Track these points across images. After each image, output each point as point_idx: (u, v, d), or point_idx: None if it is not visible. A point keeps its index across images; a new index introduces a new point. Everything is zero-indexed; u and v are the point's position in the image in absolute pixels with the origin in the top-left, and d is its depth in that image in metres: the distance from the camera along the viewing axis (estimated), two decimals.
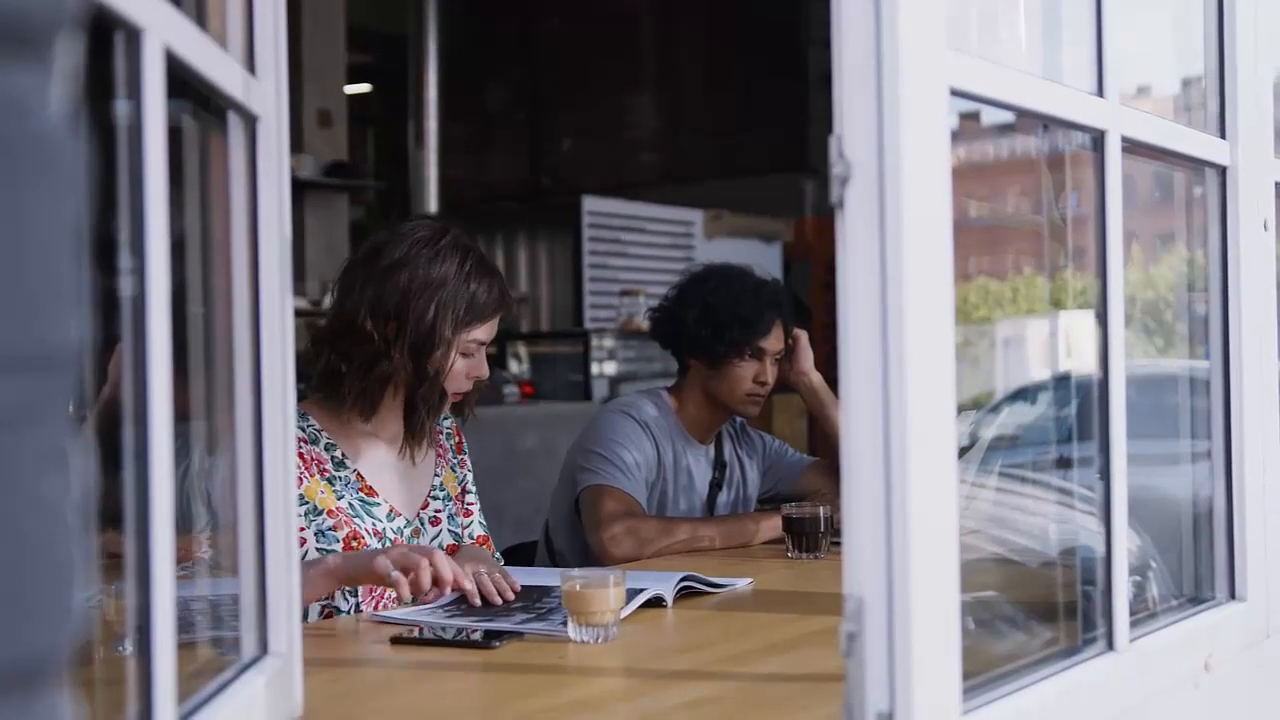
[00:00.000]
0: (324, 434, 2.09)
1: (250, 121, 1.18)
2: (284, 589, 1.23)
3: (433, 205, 7.35)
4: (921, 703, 1.01)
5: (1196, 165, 1.65)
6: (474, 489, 2.31)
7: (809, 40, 7.71)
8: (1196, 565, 1.70)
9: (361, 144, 9.07)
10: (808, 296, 6.32)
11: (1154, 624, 1.49)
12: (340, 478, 2.08)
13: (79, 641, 0.58)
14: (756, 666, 1.63)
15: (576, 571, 1.76)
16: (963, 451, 1.64)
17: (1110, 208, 1.37)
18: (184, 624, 0.93)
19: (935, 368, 1.05)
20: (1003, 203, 1.82)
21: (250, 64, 1.19)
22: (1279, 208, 1.73)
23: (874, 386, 1.02)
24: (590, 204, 7.17)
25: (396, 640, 1.73)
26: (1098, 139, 1.36)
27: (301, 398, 2.10)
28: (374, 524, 2.08)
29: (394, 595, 2.03)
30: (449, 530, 2.21)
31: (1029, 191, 1.70)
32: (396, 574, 1.81)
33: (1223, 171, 1.65)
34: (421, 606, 1.92)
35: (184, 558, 1.01)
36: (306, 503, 2.02)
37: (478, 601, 1.89)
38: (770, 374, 2.72)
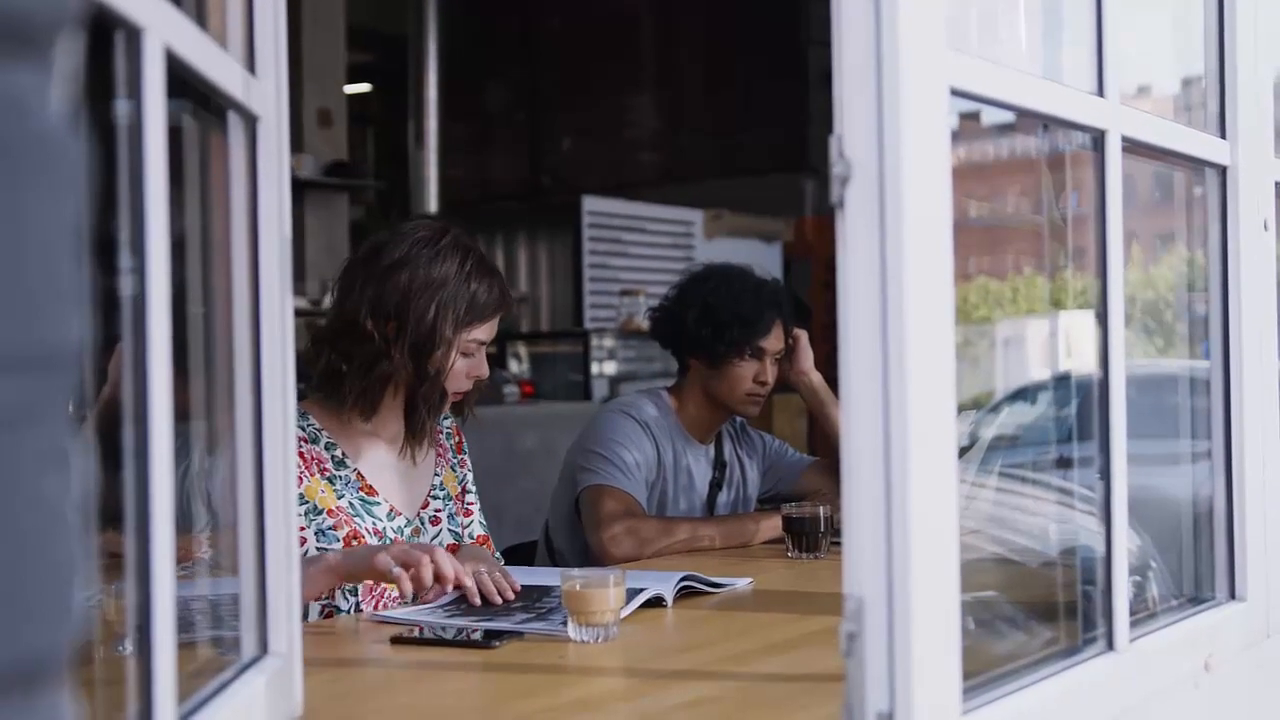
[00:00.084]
0: (324, 433, 2.09)
1: (250, 121, 1.18)
2: (284, 589, 1.23)
3: (433, 205, 7.35)
4: (921, 702, 1.01)
5: (1197, 165, 1.65)
6: (474, 489, 2.31)
7: (809, 40, 7.70)
8: (1196, 565, 1.70)
9: (361, 144, 9.07)
10: (808, 296, 6.32)
11: (1154, 624, 1.49)
12: (340, 477, 2.08)
13: (79, 641, 0.58)
14: (756, 666, 1.63)
15: (576, 571, 1.76)
16: (963, 451, 1.64)
17: (1110, 207, 1.37)
18: (184, 623, 0.93)
19: (935, 367, 1.05)
20: (1003, 202, 1.82)
21: (250, 63, 1.19)
22: (1279, 208, 1.73)
23: (874, 386, 1.02)
24: (590, 204, 7.17)
25: (396, 640, 1.73)
26: (1098, 139, 1.36)
27: (301, 397, 2.10)
28: (374, 523, 2.08)
29: (395, 595, 2.04)
30: (449, 530, 2.21)
31: (1029, 191, 1.70)
32: (398, 570, 1.81)
33: (1223, 171, 1.65)
34: (421, 606, 1.92)
35: (184, 558, 1.01)
36: (306, 502, 2.02)
37: (477, 600, 1.89)
38: (770, 374, 2.72)
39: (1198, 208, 1.70)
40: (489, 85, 8.99)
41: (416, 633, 1.76)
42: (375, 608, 2.03)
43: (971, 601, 1.18)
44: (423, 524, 2.17)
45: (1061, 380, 1.71)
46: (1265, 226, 1.69)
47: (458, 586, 1.87)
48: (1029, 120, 1.41)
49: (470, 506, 2.28)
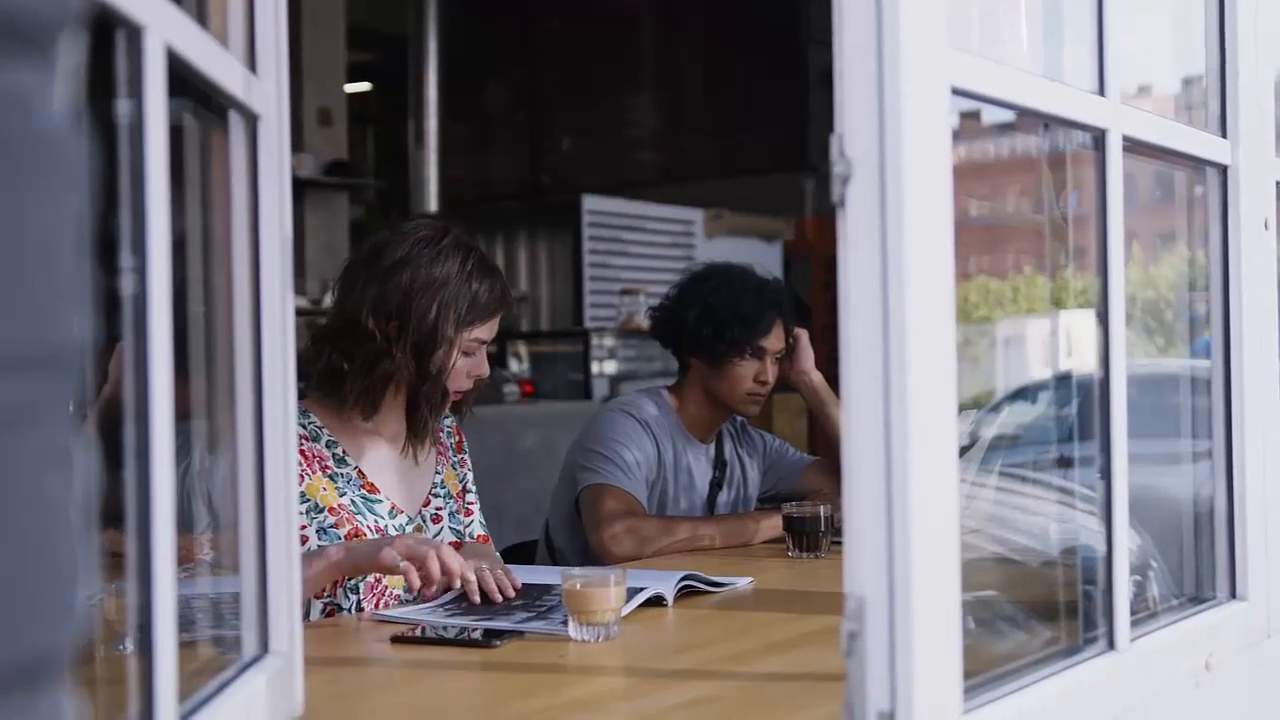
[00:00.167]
0: (325, 431, 2.09)
1: (251, 120, 1.18)
2: (285, 588, 1.23)
3: (433, 204, 7.35)
4: (922, 702, 1.01)
5: (1197, 164, 1.65)
6: (474, 488, 2.31)
7: (809, 39, 7.70)
8: (1197, 565, 1.70)
9: (361, 143, 9.08)
10: (808, 295, 6.32)
11: (1155, 623, 1.49)
12: (341, 475, 2.08)
13: (81, 640, 0.58)
14: (757, 666, 1.63)
15: (577, 570, 1.76)
16: (963, 451, 1.64)
17: (1111, 207, 1.37)
18: (185, 623, 0.93)
19: (936, 367, 1.05)
20: (1003, 202, 1.82)
21: (251, 62, 1.18)
22: None
23: (875, 385, 1.02)
24: (590, 203, 7.17)
25: (397, 639, 1.73)
26: (1099, 138, 1.36)
27: (301, 396, 2.10)
28: (375, 521, 2.08)
29: (396, 593, 2.04)
30: (450, 528, 2.21)
31: (1030, 190, 1.70)
32: (405, 563, 1.82)
33: (1224, 171, 1.65)
34: (422, 605, 1.92)
35: (185, 559, 1.01)
36: (308, 500, 2.02)
37: (476, 597, 1.89)
38: (771, 373, 2.72)
39: (1198, 207, 1.70)
40: (489, 85, 8.99)
41: (417, 632, 1.76)
42: (377, 606, 2.03)
43: (972, 601, 1.18)
44: (424, 522, 2.17)
45: (1062, 380, 1.71)
46: (1266, 226, 1.69)
47: (462, 581, 1.88)
48: (1030, 119, 1.41)
49: (470, 506, 2.29)
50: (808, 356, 2.82)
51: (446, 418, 2.27)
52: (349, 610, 2.02)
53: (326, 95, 6.85)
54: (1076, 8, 1.45)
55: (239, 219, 1.19)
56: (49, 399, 0.57)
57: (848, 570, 1.03)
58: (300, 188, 6.24)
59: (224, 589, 1.25)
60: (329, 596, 2.01)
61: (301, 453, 2.03)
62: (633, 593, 1.86)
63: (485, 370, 2.14)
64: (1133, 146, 1.41)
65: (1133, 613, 1.38)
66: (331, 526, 2.03)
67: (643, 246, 7.27)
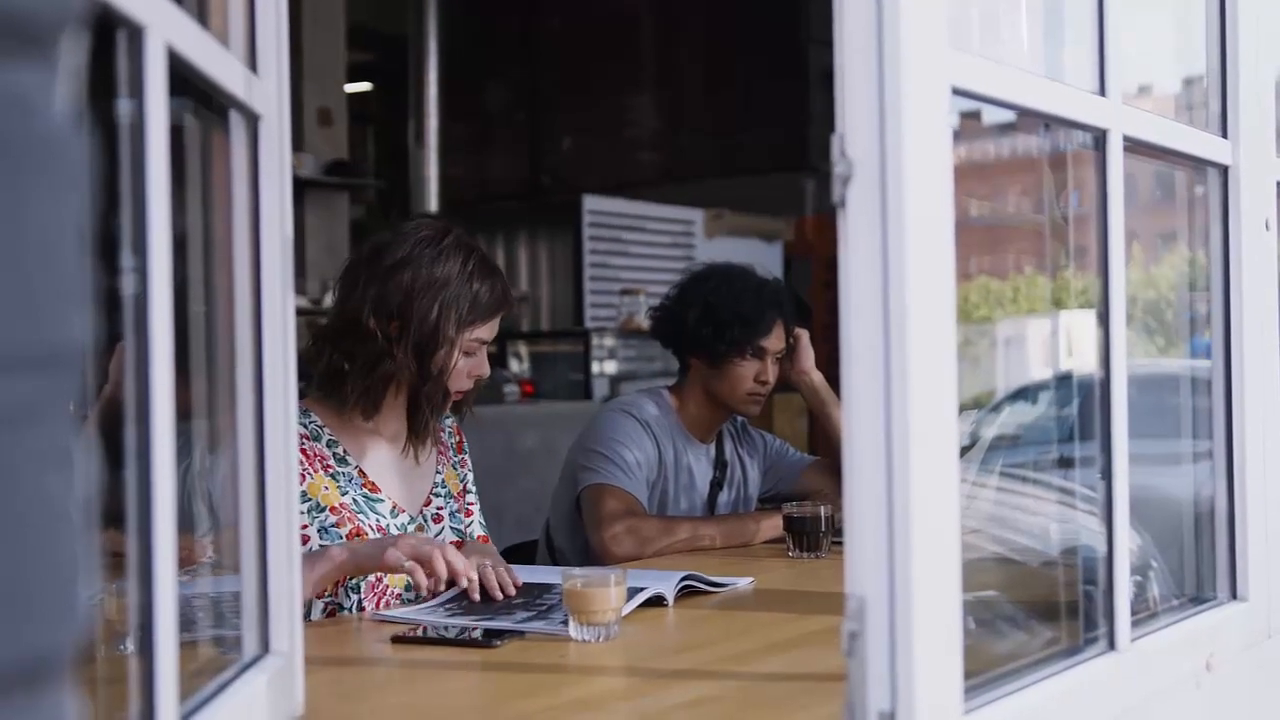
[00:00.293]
0: (326, 431, 2.10)
1: (252, 120, 1.18)
2: (286, 588, 1.23)
3: (433, 204, 7.35)
4: (923, 702, 1.01)
5: (1198, 165, 1.65)
6: (474, 489, 2.31)
7: (809, 39, 7.70)
8: (1198, 565, 1.70)
9: (362, 143, 9.07)
10: (808, 295, 6.32)
11: (1155, 624, 1.49)
12: (343, 474, 2.08)
13: (82, 640, 0.58)
14: (757, 666, 1.63)
15: (577, 570, 1.76)
16: (964, 451, 1.64)
17: (1112, 207, 1.37)
18: (185, 622, 0.93)
19: (937, 367, 1.05)
20: (1004, 202, 1.82)
21: (252, 62, 1.18)
22: None
23: (875, 385, 1.02)
24: (590, 203, 7.17)
25: (397, 639, 1.73)
26: (1099, 138, 1.36)
27: (302, 396, 2.10)
28: (377, 520, 2.08)
29: (397, 592, 2.04)
30: (451, 528, 2.21)
31: (1030, 190, 1.70)
32: (411, 563, 1.83)
33: (1224, 171, 1.65)
34: (423, 605, 1.93)
35: (187, 561, 1.01)
36: (309, 499, 2.02)
37: (477, 595, 1.89)
38: (771, 373, 2.72)
39: (1199, 207, 1.70)
40: (489, 85, 8.98)
41: (417, 632, 1.76)
42: (378, 605, 2.03)
43: (973, 601, 1.18)
44: (425, 522, 2.17)
45: (1063, 380, 1.71)
46: (1267, 226, 1.69)
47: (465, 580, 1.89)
48: (1030, 119, 1.41)
49: (470, 506, 2.29)
50: (808, 356, 2.82)
51: (447, 418, 2.27)
52: (350, 610, 2.02)
53: (327, 95, 6.85)
54: (1077, 8, 1.45)
55: (240, 219, 1.19)
56: (50, 399, 0.57)
57: (849, 570, 1.03)
58: (300, 187, 6.24)
59: (224, 589, 1.25)
60: (330, 596, 2.01)
61: (303, 452, 2.03)
62: (633, 592, 1.86)
63: (486, 370, 2.14)
64: (1133, 146, 1.41)
65: (1133, 613, 1.38)
66: (333, 526, 2.03)
67: (643, 246, 7.27)
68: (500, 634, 1.72)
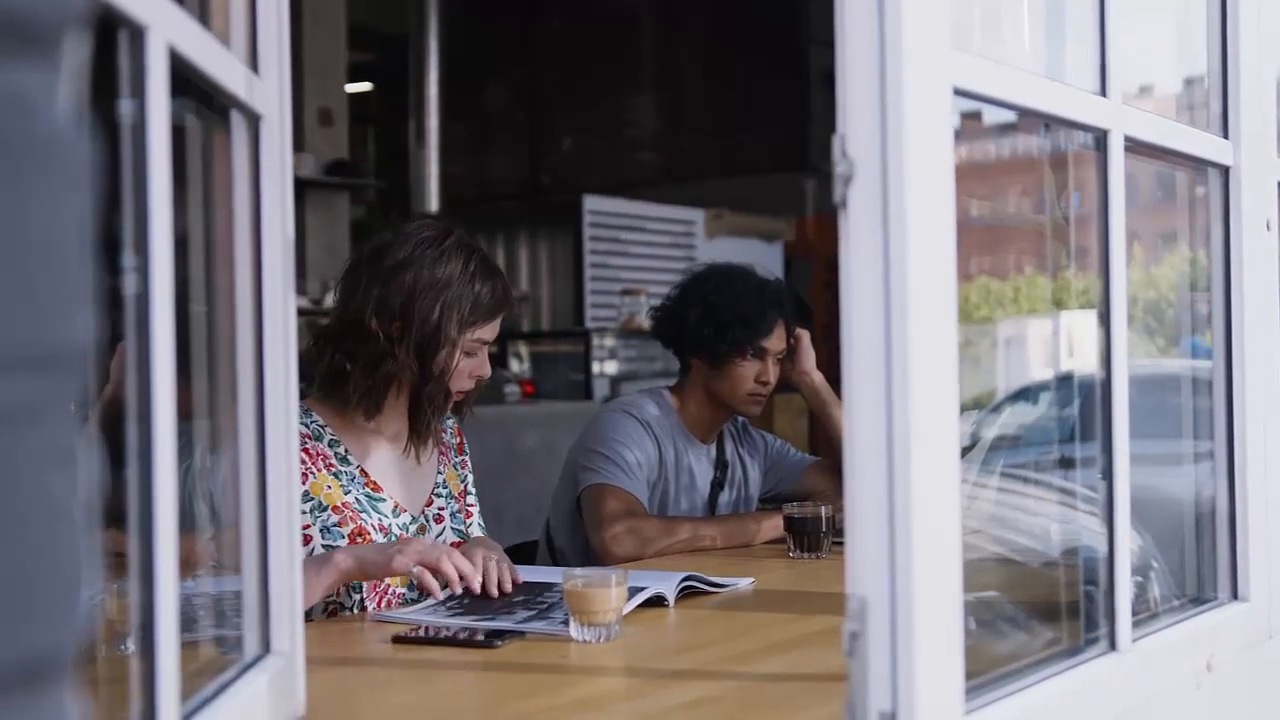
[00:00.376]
0: (328, 431, 2.10)
1: (253, 120, 1.18)
2: (287, 588, 1.23)
3: (433, 204, 7.35)
4: (924, 702, 1.01)
5: (1199, 165, 1.65)
6: (474, 490, 2.32)
7: (809, 39, 7.70)
8: (1199, 565, 1.69)
9: (362, 143, 9.07)
10: (808, 296, 6.32)
11: (1156, 624, 1.49)
12: (345, 473, 2.08)
13: (84, 640, 0.58)
14: (758, 666, 1.63)
15: (578, 571, 1.76)
16: (964, 451, 1.64)
17: (1113, 207, 1.37)
18: (187, 622, 0.93)
19: (938, 367, 1.05)
20: (1005, 202, 1.82)
21: (253, 62, 1.18)
22: None
23: (876, 386, 1.02)
24: (591, 203, 7.17)
25: (398, 639, 1.73)
26: (1100, 139, 1.36)
27: (303, 396, 2.10)
28: (380, 519, 2.09)
29: (399, 593, 2.05)
30: (452, 528, 2.21)
31: (1031, 191, 1.70)
32: (419, 569, 1.85)
33: (1225, 171, 1.65)
34: (423, 605, 1.93)
35: (190, 564, 1.01)
36: (311, 499, 2.02)
37: (476, 588, 1.90)
38: (772, 374, 2.72)
39: (1200, 208, 1.70)
40: (489, 85, 8.98)
41: (418, 632, 1.76)
42: (380, 605, 2.03)
43: (974, 601, 1.18)
44: (427, 522, 2.18)
45: (1063, 380, 1.71)
46: (1268, 227, 1.69)
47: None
48: (1031, 120, 1.41)
49: (470, 508, 2.29)
50: (809, 357, 2.82)
51: (448, 418, 2.27)
52: (351, 610, 2.02)
53: (327, 95, 6.86)
54: (1078, 8, 1.45)
55: (241, 219, 1.19)
56: (50, 398, 0.57)
57: (849, 570, 1.03)
58: (301, 187, 6.24)
59: (225, 588, 1.25)
60: (331, 596, 2.01)
61: (305, 451, 2.03)
62: (633, 592, 1.86)
63: (487, 370, 2.15)
64: (1134, 147, 1.41)
65: (1134, 613, 1.38)
66: (335, 525, 2.03)
67: (643, 246, 7.27)
68: (501, 634, 1.72)
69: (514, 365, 6.61)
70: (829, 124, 1.05)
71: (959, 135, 1.10)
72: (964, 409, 1.13)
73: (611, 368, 6.50)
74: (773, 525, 2.58)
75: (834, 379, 1.83)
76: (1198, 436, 1.73)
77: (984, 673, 1.17)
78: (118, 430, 0.88)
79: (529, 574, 2.07)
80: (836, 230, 1.06)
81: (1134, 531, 1.40)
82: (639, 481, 2.61)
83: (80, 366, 0.59)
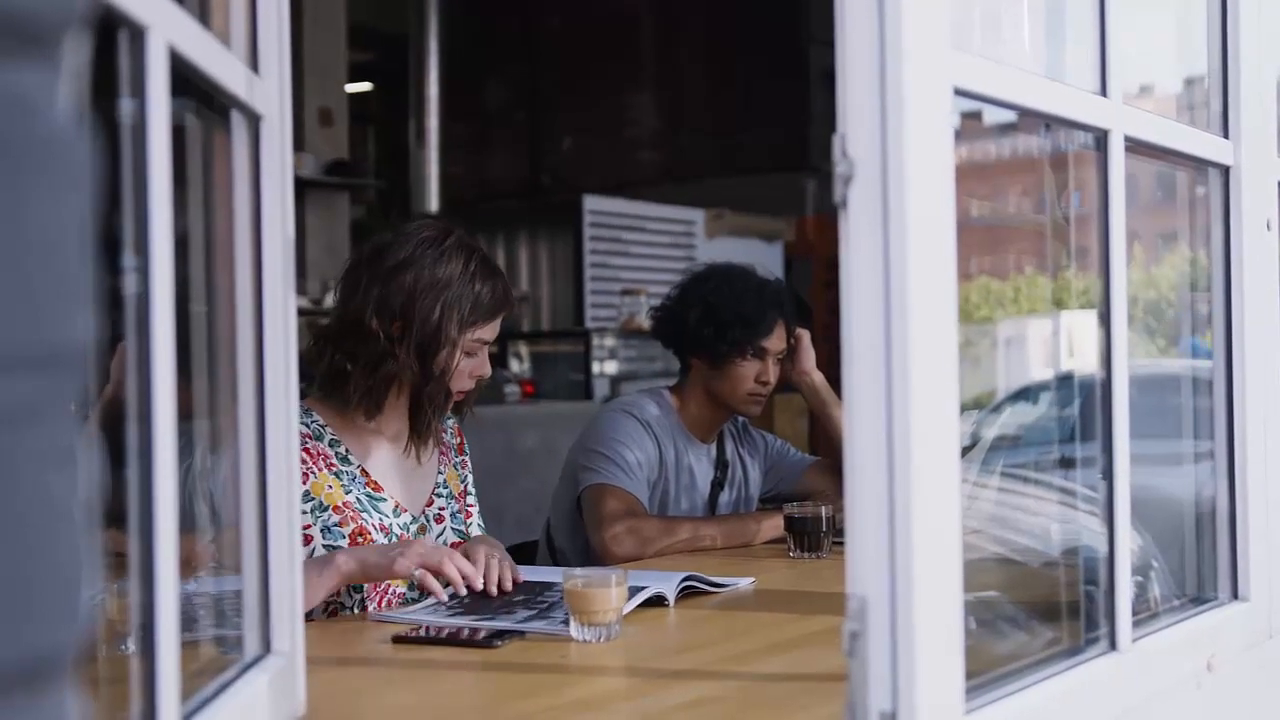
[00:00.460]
0: (328, 430, 2.10)
1: (253, 120, 1.18)
2: (287, 587, 1.23)
3: (433, 204, 7.35)
4: (924, 702, 1.01)
5: (1199, 165, 1.65)
6: (473, 491, 2.32)
7: (809, 39, 7.70)
8: (1199, 565, 1.69)
9: (362, 142, 9.07)
10: (808, 295, 6.32)
11: (1156, 624, 1.49)
12: (346, 473, 2.09)
13: (84, 640, 0.58)
14: (758, 666, 1.63)
15: (578, 571, 1.76)
16: (964, 451, 1.64)
17: (1113, 207, 1.37)
18: (187, 622, 0.93)
19: (938, 367, 1.05)
20: (1005, 202, 1.82)
21: (253, 62, 1.18)
22: None
23: (877, 386, 1.02)
24: (591, 203, 7.17)
25: (399, 639, 1.73)
26: (1100, 138, 1.36)
27: (302, 396, 2.10)
28: (381, 519, 2.09)
29: (400, 592, 2.05)
30: (453, 528, 2.21)
31: (1031, 191, 1.70)
32: (421, 572, 1.86)
33: (1226, 171, 1.65)
34: (424, 605, 1.93)
35: (188, 560, 1.01)
36: (312, 499, 2.02)
37: (479, 585, 1.91)
38: (772, 374, 2.72)
39: (1200, 207, 1.70)
40: (489, 84, 8.99)
41: (419, 632, 1.76)
42: (380, 604, 2.04)
43: (974, 601, 1.18)
44: (428, 522, 2.18)
45: (1064, 380, 1.71)
46: (1268, 226, 1.69)
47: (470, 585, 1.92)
48: (1032, 120, 1.41)
49: (470, 509, 2.29)
50: (809, 357, 2.82)
51: (449, 418, 2.27)
52: (351, 609, 2.03)
53: (327, 95, 6.86)
54: (1078, 8, 1.45)
55: (241, 219, 1.19)
56: (50, 398, 0.57)
57: (850, 570, 1.03)
58: (301, 187, 6.24)
59: (226, 588, 1.25)
60: (332, 595, 2.01)
61: (306, 451, 2.03)
62: (634, 592, 1.86)
63: (487, 370, 2.15)
64: (1134, 147, 1.41)
65: (1134, 613, 1.38)
66: (336, 525, 2.03)
67: (643, 246, 7.27)
68: (501, 634, 1.72)
69: (514, 365, 6.61)
70: (829, 124, 1.05)
71: (959, 135, 1.10)
72: (964, 409, 1.13)
73: (611, 368, 6.50)
74: (773, 525, 2.57)
75: (834, 379, 1.83)
76: (1198, 436, 1.73)
77: (984, 672, 1.17)
78: (118, 430, 0.88)
79: (529, 574, 2.07)
80: (836, 230, 1.06)
81: (1134, 531, 1.40)
82: (639, 481, 2.61)
83: (80, 366, 0.59)
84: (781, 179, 7.75)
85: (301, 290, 6.11)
